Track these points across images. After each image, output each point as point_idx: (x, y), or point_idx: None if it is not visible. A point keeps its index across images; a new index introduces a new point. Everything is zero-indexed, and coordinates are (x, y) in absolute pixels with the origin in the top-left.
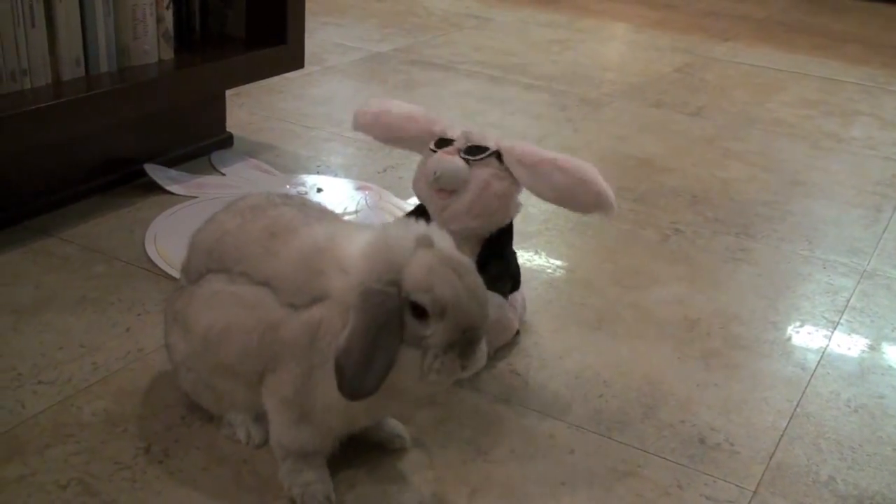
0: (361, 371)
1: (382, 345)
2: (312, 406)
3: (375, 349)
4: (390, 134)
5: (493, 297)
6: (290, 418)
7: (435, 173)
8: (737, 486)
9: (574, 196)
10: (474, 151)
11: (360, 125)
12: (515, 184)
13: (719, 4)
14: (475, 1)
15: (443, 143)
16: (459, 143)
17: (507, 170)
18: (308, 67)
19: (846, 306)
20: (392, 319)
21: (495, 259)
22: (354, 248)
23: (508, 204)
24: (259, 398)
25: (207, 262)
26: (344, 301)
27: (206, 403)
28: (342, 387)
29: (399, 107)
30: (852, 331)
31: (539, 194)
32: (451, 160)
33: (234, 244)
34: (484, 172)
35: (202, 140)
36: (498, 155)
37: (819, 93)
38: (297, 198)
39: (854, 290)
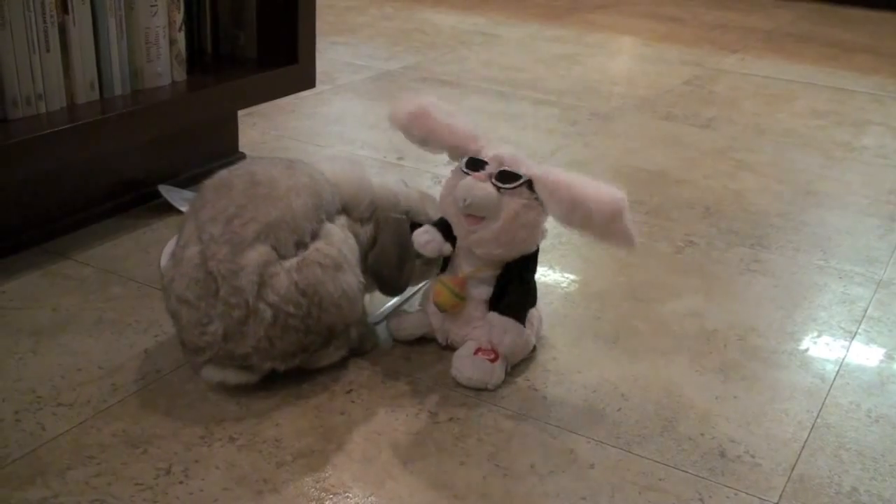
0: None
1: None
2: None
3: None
4: (427, 136)
5: (508, 322)
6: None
7: (465, 200)
8: (759, 498)
9: (604, 236)
10: (506, 178)
11: (397, 124)
12: (544, 213)
13: (727, 16)
14: (482, 18)
15: (474, 163)
16: (492, 168)
17: (537, 198)
18: (319, 87)
19: (863, 316)
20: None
21: (516, 282)
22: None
23: (535, 233)
24: None
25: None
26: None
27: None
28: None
29: (439, 112)
30: (870, 340)
31: (569, 227)
32: (482, 188)
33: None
34: (514, 203)
35: (215, 160)
36: (529, 183)
37: (830, 103)
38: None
39: (871, 300)
